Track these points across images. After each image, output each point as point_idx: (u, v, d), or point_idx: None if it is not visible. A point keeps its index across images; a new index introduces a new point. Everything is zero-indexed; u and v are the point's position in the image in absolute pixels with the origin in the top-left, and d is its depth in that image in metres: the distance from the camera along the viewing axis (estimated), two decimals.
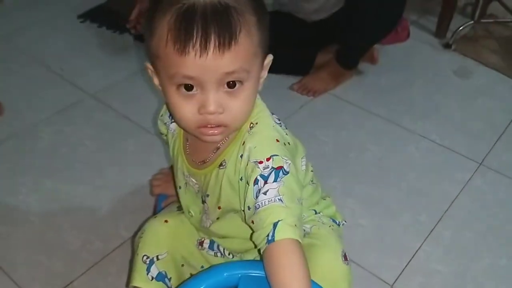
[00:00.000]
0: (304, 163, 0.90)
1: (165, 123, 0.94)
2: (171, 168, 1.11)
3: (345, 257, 0.88)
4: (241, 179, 0.78)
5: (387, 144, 1.58)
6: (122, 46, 1.94)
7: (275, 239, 0.70)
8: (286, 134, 0.82)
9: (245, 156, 0.77)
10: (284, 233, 0.70)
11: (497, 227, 1.33)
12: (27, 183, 1.39)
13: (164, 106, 0.94)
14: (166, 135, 0.96)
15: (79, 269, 1.19)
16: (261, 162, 0.74)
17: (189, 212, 0.93)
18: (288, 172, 0.75)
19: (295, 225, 0.72)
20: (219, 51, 0.67)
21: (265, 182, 0.73)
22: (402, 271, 1.22)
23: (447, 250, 1.27)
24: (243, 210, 0.77)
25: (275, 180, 0.73)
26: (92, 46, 1.94)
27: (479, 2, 2.03)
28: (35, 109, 1.63)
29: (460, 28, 2.01)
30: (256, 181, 0.74)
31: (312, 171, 0.97)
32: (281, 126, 0.82)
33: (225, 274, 0.73)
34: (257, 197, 0.73)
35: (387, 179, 1.46)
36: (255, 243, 0.74)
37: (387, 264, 1.23)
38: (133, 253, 0.95)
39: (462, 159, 1.53)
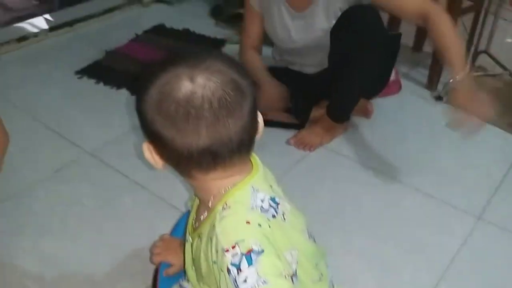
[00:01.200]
0: (295, 255, 0.81)
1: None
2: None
3: None
4: (214, 262, 0.75)
5: (383, 198, 1.59)
6: (118, 102, 1.95)
7: None
8: (269, 221, 0.76)
9: (214, 241, 0.74)
10: None
11: (500, 283, 1.32)
12: (24, 245, 1.37)
13: None
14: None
15: None
16: (227, 251, 0.71)
17: (189, 270, 0.93)
18: (262, 251, 0.70)
19: None
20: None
21: (239, 270, 0.70)
22: None
23: None
24: None
25: (249, 264, 0.69)
26: (89, 102, 1.95)
27: (468, 55, 2.09)
28: (32, 168, 1.63)
29: (451, 81, 2.04)
30: (229, 271, 0.71)
31: (317, 264, 0.90)
32: (268, 212, 0.77)
33: None
34: (237, 286, 0.70)
35: (386, 234, 1.46)
36: None
37: None
38: None
39: (460, 213, 1.54)
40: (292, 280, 0.75)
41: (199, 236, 0.80)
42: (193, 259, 0.87)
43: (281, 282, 0.70)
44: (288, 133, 1.81)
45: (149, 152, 0.77)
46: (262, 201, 0.78)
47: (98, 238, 1.40)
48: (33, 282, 1.27)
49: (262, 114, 0.79)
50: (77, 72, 2.11)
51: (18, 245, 1.37)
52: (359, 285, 1.30)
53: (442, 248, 1.42)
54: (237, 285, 0.69)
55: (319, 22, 1.69)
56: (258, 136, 0.78)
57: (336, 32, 1.67)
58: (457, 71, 1.42)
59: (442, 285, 1.31)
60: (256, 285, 0.68)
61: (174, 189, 1.53)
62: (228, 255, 0.70)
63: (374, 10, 1.61)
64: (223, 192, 0.77)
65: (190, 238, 0.88)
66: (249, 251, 0.70)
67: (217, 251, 0.73)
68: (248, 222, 0.73)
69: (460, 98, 1.40)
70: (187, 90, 0.69)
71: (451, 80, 1.44)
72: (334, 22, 1.67)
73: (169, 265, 1.10)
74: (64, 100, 1.96)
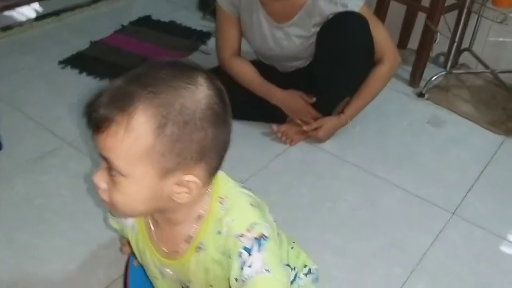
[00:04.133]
0: (271, 219, 0.90)
1: (117, 221, 0.94)
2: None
3: None
4: (223, 254, 0.78)
5: (362, 194, 1.60)
6: None
7: None
8: (253, 193, 0.83)
9: (224, 232, 0.77)
10: None
11: (469, 280, 1.35)
12: (0, 236, 1.38)
13: None
14: (121, 230, 0.95)
15: None
16: (242, 236, 0.75)
17: None
18: (267, 237, 0.75)
19: None
20: (98, 130, 0.70)
21: (249, 255, 0.74)
22: None
23: None
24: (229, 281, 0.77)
25: (258, 250, 0.74)
26: (72, 92, 1.95)
27: (451, 52, 2.10)
28: (12, 156, 1.62)
29: (433, 78, 2.07)
30: (240, 254, 0.74)
31: (274, 221, 0.95)
32: (245, 188, 0.83)
33: None
34: (242, 269, 0.74)
35: (363, 230, 1.48)
36: None
37: None
38: None
39: (436, 209, 1.56)
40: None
41: (198, 247, 0.79)
42: (189, 281, 0.85)
43: (281, 271, 0.74)
44: (265, 128, 1.81)
45: (185, 183, 0.73)
46: (238, 182, 0.83)
47: (76, 230, 1.41)
48: (8, 274, 1.28)
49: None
50: (61, 62, 2.10)
51: None
52: (334, 281, 1.31)
53: (415, 243, 1.44)
54: (243, 268, 0.73)
55: (299, 36, 1.69)
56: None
57: (324, 31, 1.66)
58: (348, 117, 1.77)
59: (414, 278, 1.33)
60: (259, 271, 0.72)
61: None
62: (243, 240, 0.74)
63: (361, 14, 1.61)
64: (210, 192, 0.79)
65: (169, 270, 0.86)
66: (261, 236, 0.74)
67: (227, 240, 0.75)
68: (252, 205, 0.78)
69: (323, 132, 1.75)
70: (212, 89, 0.72)
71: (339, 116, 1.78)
72: (313, 37, 1.67)
73: None
74: (47, 90, 1.96)
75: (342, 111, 1.77)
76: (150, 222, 0.85)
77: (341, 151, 1.77)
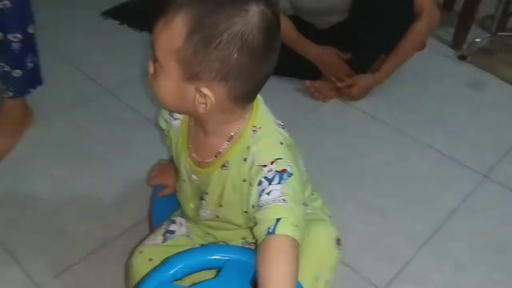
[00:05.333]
0: (302, 164, 0.92)
1: (166, 120, 0.98)
2: (172, 160, 1.14)
3: (338, 242, 0.93)
4: (244, 180, 0.81)
5: (392, 152, 1.59)
6: (139, 43, 1.99)
7: (276, 232, 0.73)
8: (289, 136, 0.85)
9: (249, 160, 0.80)
10: (285, 229, 0.73)
11: (497, 242, 1.33)
12: (37, 169, 1.45)
13: None
14: (167, 131, 1.00)
15: (80, 254, 1.23)
16: (265, 166, 0.78)
17: (190, 204, 0.97)
18: (291, 174, 0.78)
19: (297, 226, 0.74)
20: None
21: (269, 184, 0.77)
22: (394, 277, 1.23)
23: (443, 261, 1.27)
24: (246, 211, 0.81)
25: (279, 182, 0.76)
26: (111, 42, 2.00)
27: (497, 15, 2.02)
28: (52, 99, 1.69)
29: (477, 40, 2.00)
30: (260, 183, 0.78)
31: (306, 171, 0.98)
32: (284, 128, 0.85)
33: (208, 257, 0.77)
34: (260, 196, 0.77)
35: (389, 186, 1.47)
36: (255, 235, 0.77)
37: (380, 269, 1.24)
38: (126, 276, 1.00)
39: (467, 171, 1.53)
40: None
41: (223, 165, 0.84)
42: (206, 193, 0.90)
43: (298, 206, 0.76)
44: (299, 85, 1.81)
45: (203, 95, 0.76)
46: (280, 123, 0.85)
47: (107, 168, 1.47)
48: (44, 204, 1.36)
49: None
50: (103, 13, 2.15)
51: (33, 170, 1.45)
52: (354, 233, 1.32)
53: (442, 203, 1.42)
54: (261, 195, 0.76)
55: None
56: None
57: None
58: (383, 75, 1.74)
59: (436, 237, 1.33)
60: (276, 200, 0.75)
61: None
62: (265, 170, 0.77)
63: None
64: (245, 120, 0.82)
65: (195, 176, 0.91)
66: (283, 171, 0.77)
67: (251, 168, 0.79)
68: (281, 143, 0.81)
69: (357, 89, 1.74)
70: (256, 21, 0.72)
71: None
72: None
73: (164, 187, 1.16)
74: (87, 39, 2.01)
75: (377, 69, 1.74)
76: (191, 127, 0.90)
77: (374, 110, 1.75)
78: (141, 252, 0.98)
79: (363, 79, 1.74)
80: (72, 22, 2.11)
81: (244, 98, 0.79)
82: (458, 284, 1.22)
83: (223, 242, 0.97)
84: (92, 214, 1.33)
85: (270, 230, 0.73)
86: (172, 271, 0.73)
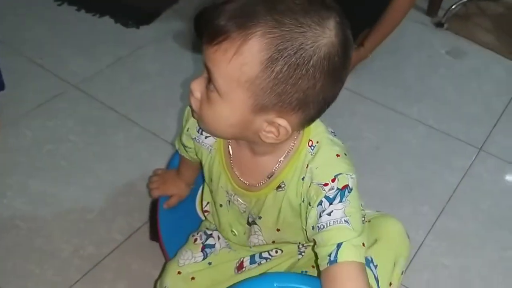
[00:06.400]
0: None
1: (194, 138, 0.87)
2: (180, 167, 1.05)
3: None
4: (303, 201, 0.75)
5: (383, 131, 1.54)
6: (102, 31, 1.84)
7: (338, 260, 0.67)
8: (342, 143, 0.78)
9: (307, 178, 0.73)
10: (348, 255, 0.67)
11: (500, 217, 1.31)
12: (12, 184, 1.31)
13: (191, 120, 0.85)
14: (192, 148, 0.90)
15: (73, 277, 1.13)
16: (326, 185, 0.71)
17: (232, 231, 0.89)
18: (352, 189, 0.71)
19: (361, 245, 0.68)
20: (210, 41, 0.63)
21: (330, 204, 0.70)
22: (408, 266, 1.19)
23: (452, 243, 1.25)
24: (305, 230, 0.74)
25: (340, 201, 0.70)
26: (72, 32, 1.83)
27: None
28: (16, 103, 1.53)
29: (453, 7, 1.96)
30: (320, 203, 0.71)
31: None
32: (335, 136, 0.78)
33: (275, 285, 0.70)
34: (320, 216, 0.70)
35: (386, 168, 1.43)
36: (317, 256, 0.72)
37: None
38: None
39: (461, 144, 1.50)
40: None
41: (279, 186, 0.76)
42: (259, 217, 0.82)
43: (360, 226, 0.70)
44: None
45: (277, 125, 0.67)
46: (331, 129, 0.79)
47: (89, 176, 1.35)
48: (24, 222, 1.23)
49: None
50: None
51: (7, 186, 1.31)
52: None
53: (443, 180, 1.39)
54: (321, 216, 0.70)
55: None
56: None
57: None
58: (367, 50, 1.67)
59: (443, 218, 1.30)
60: (338, 221, 0.69)
61: (164, 123, 1.48)
62: (326, 189, 0.70)
63: None
64: (300, 132, 0.75)
65: (241, 200, 0.82)
66: (345, 187, 0.71)
67: (309, 187, 0.72)
68: (338, 155, 0.74)
69: None
70: (339, 39, 0.63)
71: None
72: None
73: (168, 198, 1.07)
74: (45, 30, 1.84)
75: (361, 44, 1.67)
76: (230, 146, 0.81)
77: (359, 87, 1.68)
78: (179, 272, 0.89)
79: None
80: (25, 10, 1.91)
81: (312, 121, 0.71)
82: (471, 267, 1.20)
83: (276, 248, 0.90)
84: (80, 231, 1.22)
85: (332, 258, 0.67)
86: None
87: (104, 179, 1.34)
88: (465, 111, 1.62)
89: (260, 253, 0.90)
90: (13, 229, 1.21)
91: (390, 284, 0.87)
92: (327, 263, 0.67)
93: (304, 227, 0.74)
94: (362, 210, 0.75)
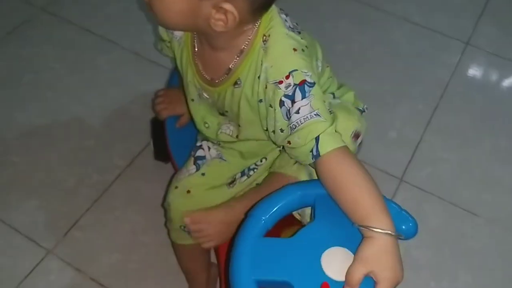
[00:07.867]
0: (320, 64, 0.83)
1: (168, 31, 0.84)
2: (180, 83, 1.00)
3: (355, 136, 0.83)
4: (260, 101, 0.73)
5: (372, 32, 1.52)
6: None
7: (321, 153, 0.66)
8: (302, 38, 0.74)
9: (262, 78, 0.71)
10: (328, 144, 0.67)
11: (492, 108, 1.35)
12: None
13: None
14: (169, 42, 0.86)
15: (82, 206, 1.12)
16: (281, 82, 0.69)
17: (205, 123, 0.88)
18: (313, 84, 0.69)
19: (335, 132, 0.68)
20: None
21: (293, 101, 0.68)
22: (409, 163, 1.23)
23: (449, 137, 1.28)
24: (273, 131, 0.73)
25: (304, 97, 0.68)
26: None
27: None
28: None
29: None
30: (282, 103, 0.69)
31: (328, 66, 0.90)
32: (294, 30, 0.74)
33: (298, 193, 0.68)
34: (289, 117, 0.68)
35: (377, 70, 1.42)
36: (297, 160, 0.72)
37: (393, 158, 1.24)
38: (166, 218, 0.91)
39: (448, 40, 1.50)
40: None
41: (235, 83, 0.75)
42: (220, 113, 0.82)
43: (329, 116, 0.69)
44: None
45: (224, 11, 0.65)
46: (292, 23, 0.74)
47: (80, 104, 1.29)
48: (19, 157, 1.19)
49: None
50: None
51: None
52: None
53: (434, 77, 1.40)
54: (289, 117, 0.68)
55: None
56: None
57: None
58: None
59: (438, 114, 1.32)
60: (309, 117, 0.67)
61: (144, 42, 1.41)
62: (282, 87, 0.68)
63: None
64: (255, 28, 0.71)
65: (206, 94, 0.81)
66: (302, 82, 0.68)
67: (265, 87, 0.70)
68: (294, 49, 0.70)
69: None
70: None
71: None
72: None
73: (176, 117, 1.04)
74: None
75: None
76: (195, 41, 0.79)
77: None
78: (176, 187, 0.89)
79: None
80: None
81: (265, 7, 0.68)
82: (470, 158, 1.24)
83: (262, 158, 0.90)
84: (80, 159, 1.19)
85: (314, 153, 0.67)
86: (261, 224, 0.65)
87: (95, 106, 1.29)
88: (449, 5, 1.60)
89: (249, 167, 0.91)
90: (10, 166, 1.17)
91: None
92: (312, 159, 0.67)
93: (265, 129, 0.74)
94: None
